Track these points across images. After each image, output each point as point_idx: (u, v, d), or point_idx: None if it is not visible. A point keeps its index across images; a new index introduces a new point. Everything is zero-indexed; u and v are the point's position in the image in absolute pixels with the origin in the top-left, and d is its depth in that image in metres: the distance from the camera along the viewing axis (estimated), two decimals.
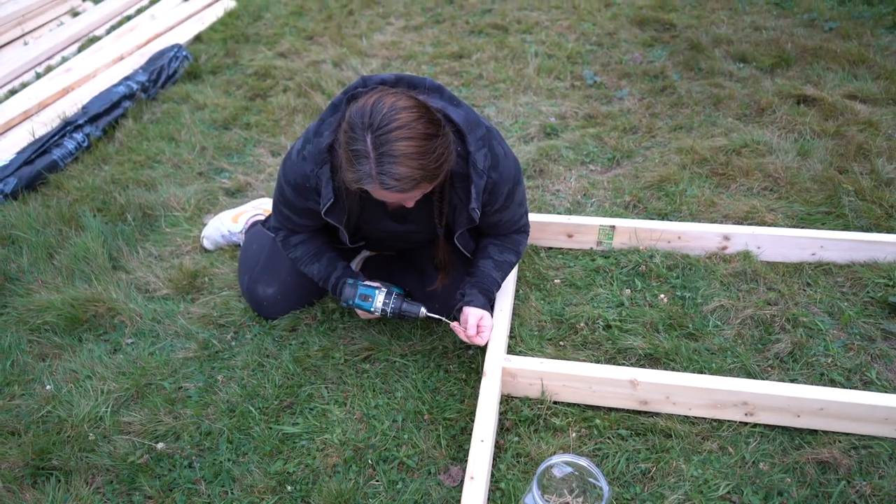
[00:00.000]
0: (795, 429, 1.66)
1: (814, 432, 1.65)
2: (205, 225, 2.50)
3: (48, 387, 1.86)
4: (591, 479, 1.41)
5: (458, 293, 1.82)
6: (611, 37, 3.94)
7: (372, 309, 1.79)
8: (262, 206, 2.45)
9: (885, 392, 1.73)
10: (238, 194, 2.71)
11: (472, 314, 1.75)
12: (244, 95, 3.49)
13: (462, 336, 1.75)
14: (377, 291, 1.79)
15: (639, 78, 3.45)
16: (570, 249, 2.29)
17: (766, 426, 1.67)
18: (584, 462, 1.40)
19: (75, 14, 4.60)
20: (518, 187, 1.74)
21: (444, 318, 1.79)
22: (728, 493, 1.54)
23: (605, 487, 1.36)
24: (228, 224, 2.37)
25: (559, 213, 2.46)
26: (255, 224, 2.30)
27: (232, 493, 1.56)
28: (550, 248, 2.30)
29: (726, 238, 2.19)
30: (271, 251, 2.05)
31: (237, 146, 3.05)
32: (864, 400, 1.61)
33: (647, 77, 3.45)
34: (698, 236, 2.20)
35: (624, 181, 2.62)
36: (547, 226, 2.25)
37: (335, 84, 3.51)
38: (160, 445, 1.66)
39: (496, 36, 4.06)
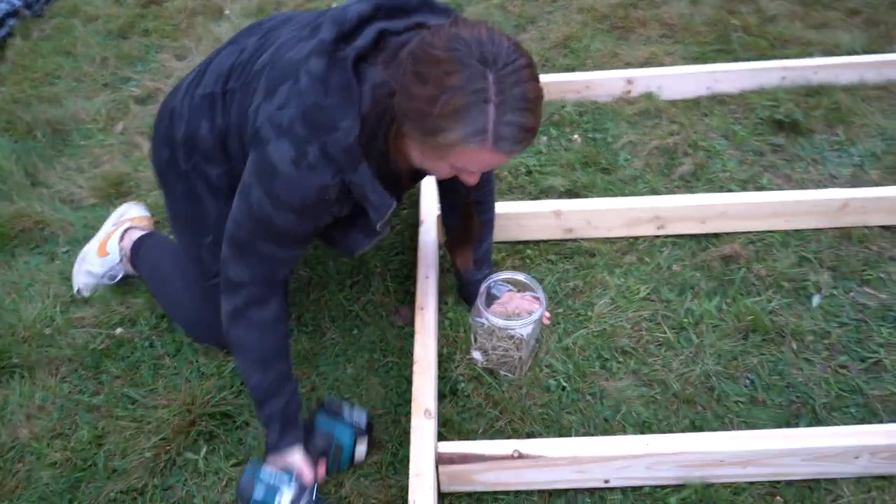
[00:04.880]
0: (702, 234, 1.86)
1: (717, 235, 1.86)
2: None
3: None
4: (529, 292, 1.57)
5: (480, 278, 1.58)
6: None
7: None
8: (125, 217, 1.93)
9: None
10: (149, 100, 2.66)
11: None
12: (136, 3, 3.33)
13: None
14: (282, 492, 1.24)
15: None
16: None
17: (676, 236, 1.86)
18: (521, 276, 1.54)
19: None
20: None
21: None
22: (648, 294, 1.73)
23: (542, 295, 1.52)
24: (96, 262, 1.82)
25: None
26: (138, 246, 1.77)
27: (197, 361, 1.64)
28: None
29: (629, 82, 2.34)
30: (205, 274, 1.51)
31: (139, 54, 2.96)
32: (757, 199, 1.82)
33: None
34: (604, 83, 2.34)
35: (531, 44, 2.71)
36: None
37: None
38: (119, 331, 1.72)
39: None
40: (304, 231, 1.24)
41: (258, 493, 1.23)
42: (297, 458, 1.28)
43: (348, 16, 1.15)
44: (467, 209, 1.50)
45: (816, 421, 1.45)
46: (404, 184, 1.34)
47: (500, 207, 1.82)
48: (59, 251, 2.02)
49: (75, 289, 1.84)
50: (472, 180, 1.20)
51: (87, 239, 2.03)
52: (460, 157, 1.08)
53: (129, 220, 1.90)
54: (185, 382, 1.56)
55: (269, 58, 1.25)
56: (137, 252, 1.77)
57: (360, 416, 1.38)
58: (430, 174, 1.30)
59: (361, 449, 1.37)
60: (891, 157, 2.08)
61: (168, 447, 1.44)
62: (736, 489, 1.34)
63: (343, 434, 1.35)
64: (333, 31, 1.13)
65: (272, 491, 1.23)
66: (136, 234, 1.82)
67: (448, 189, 1.57)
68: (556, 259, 1.83)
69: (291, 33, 1.27)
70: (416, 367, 1.44)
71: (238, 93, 1.31)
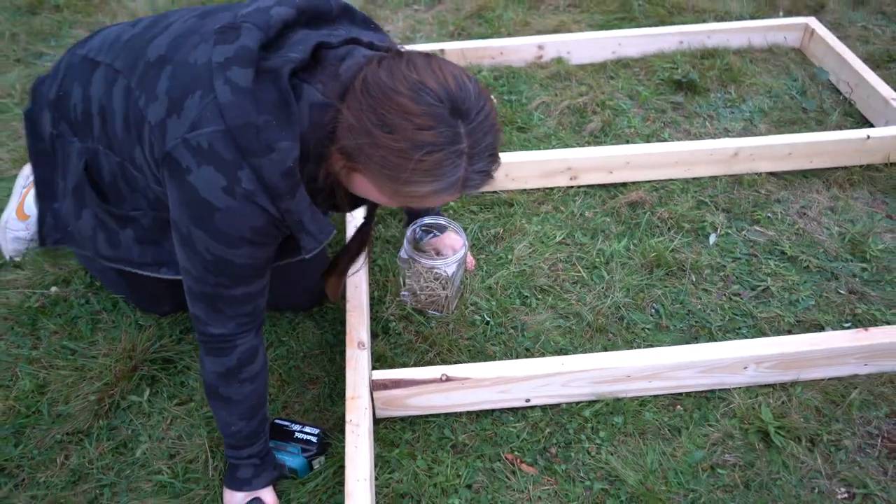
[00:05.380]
0: (610, 184, 2.01)
1: (624, 184, 2.01)
2: None
3: None
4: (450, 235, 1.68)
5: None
6: None
7: None
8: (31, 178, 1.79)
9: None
10: None
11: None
12: None
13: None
14: None
15: None
16: None
17: (587, 186, 2.01)
18: (442, 220, 1.65)
19: None
20: None
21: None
22: (563, 238, 1.87)
23: (463, 236, 1.63)
24: (20, 226, 1.78)
25: None
26: None
27: (135, 315, 1.68)
28: None
29: (540, 48, 2.47)
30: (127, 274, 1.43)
31: (52, 30, 2.90)
32: (659, 150, 1.98)
33: None
34: (516, 49, 2.47)
35: (447, 15, 2.81)
36: None
37: None
38: (53, 289, 1.73)
39: None
40: (266, 256, 1.13)
41: None
42: (269, 496, 1.30)
43: (272, 20, 1.04)
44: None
45: (713, 341, 1.62)
46: (342, 208, 1.22)
47: None
48: None
49: (7, 257, 1.81)
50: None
51: None
52: (422, 201, 1.04)
53: None
54: (125, 333, 1.60)
55: (167, 52, 1.11)
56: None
57: (311, 434, 1.37)
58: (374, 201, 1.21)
59: (317, 464, 1.38)
60: (777, 113, 2.29)
61: (112, 392, 1.48)
62: (642, 402, 1.49)
63: (294, 461, 1.35)
64: (257, 38, 1.02)
65: None
66: None
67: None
68: (477, 209, 1.94)
69: (187, 24, 1.15)
70: (348, 306, 1.53)
71: (123, 76, 1.17)
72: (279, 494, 1.33)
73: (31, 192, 1.75)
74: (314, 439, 1.37)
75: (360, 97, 0.97)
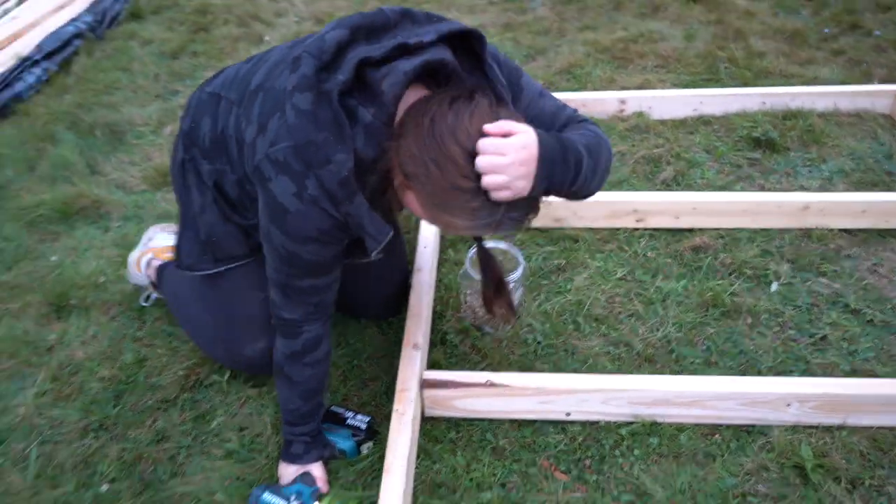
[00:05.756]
0: (676, 228, 2.08)
1: (690, 229, 2.08)
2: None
3: (53, 258, 2.16)
4: (511, 258, 1.80)
5: None
6: None
7: None
8: (150, 245, 1.97)
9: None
10: None
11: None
12: (187, 30, 3.73)
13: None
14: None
15: None
16: None
17: (653, 229, 2.09)
18: (503, 245, 1.78)
19: None
20: None
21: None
22: (624, 275, 1.95)
23: (522, 260, 1.75)
24: (138, 276, 1.93)
25: None
26: (160, 275, 1.83)
27: None
28: None
29: (622, 102, 2.60)
30: (222, 303, 1.61)
31: (188, 71, 3.32)
32: (727, 198, 2.04)
33: None
34: (599, 102, 2.61)
35: (539, 71, 3.00)
36: None
37: (271, 14, 3.80)
38: (155, 296, 1.98)
39: None
40: (332, 255, 1.28)
41: None
42: (317, 470, 1.45)
43: (326, 45, 1.15)
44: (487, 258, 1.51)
45: None
46: (396, 212, 1.31)
47: None
48: (112, 225, 2.31)
49: (145, 287, 1.93)
50: None
51: (137, 217, 2.33)
52: (456, 232, 1.19)
53: (152, 249, 1.92)
54: None
55: (263, 78, 1.27)
56: (160, 280, 1.84)
57: (361, 421, 1.53)
58: None
59: (365, 449, 1.53)
60: (858, 174, 2.29)
61: (198, 371, 1.70)
62: (680, 427, 1.53)
63: (344, 443, 1.50)
64: (313, 65, 1.14)
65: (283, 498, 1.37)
66: (156, 264, 1.86)
67: None
68: (543, 242, 2.06)
69: (280, 54, 1.30)
70: (409, 314, 1.68)
71: (236, 106, 1.34)
72: (329, 472, 1.47)
73: (144, 260, 1.91)
74: (363, 426, 1.52)
75: (426, 135, 1.07)
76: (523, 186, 1.06)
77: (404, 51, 1.16)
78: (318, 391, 1.45)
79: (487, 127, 1.05)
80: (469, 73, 1.22)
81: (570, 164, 1.14)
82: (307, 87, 1.13)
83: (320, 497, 1.41)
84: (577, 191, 1.21)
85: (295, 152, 1.14)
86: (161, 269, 1.82)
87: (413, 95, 1.17)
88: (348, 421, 1.53)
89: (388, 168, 1.15)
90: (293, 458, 1.44)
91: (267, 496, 1.38)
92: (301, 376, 1.40)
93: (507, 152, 1.03)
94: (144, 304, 1.92)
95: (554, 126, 1.30)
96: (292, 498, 1.38)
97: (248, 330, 1.58)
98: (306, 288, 1.32)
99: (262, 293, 1.44)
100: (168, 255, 1.84)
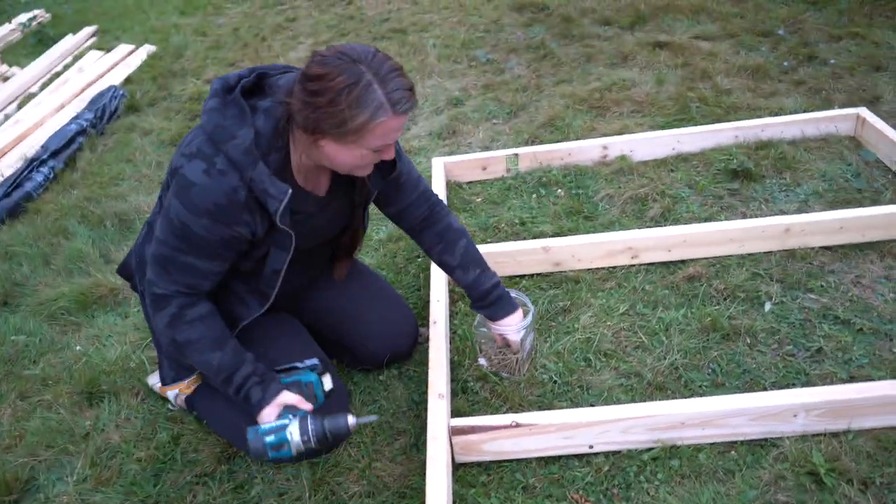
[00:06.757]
0: (669, 261, 2.21)
1: (683, 261, 2.20)
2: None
3: (78, 348, 2.25)
4: (521, 304, 1.90)
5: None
6: (495, 24, 4.53)
7: (293, 454, 1.44)
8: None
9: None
10: None
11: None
12: (184, 118, 3.90)
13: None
14: (288, 426, 1.43)
15: (524, 51, 4.03)
16: (486, 179, 2.81)
17: (648, 264, 2.21)
18: (513, 293, 1.89)
19: (6, 79, 4.91)
20: None
21: (374, 418, 1.56)
22: (626, 310, 2.06)
23: (531, 306, 1.85)
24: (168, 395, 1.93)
25: None
26: (191, 404, 1.85)
27: None
28: (470, 182, 2.81)
29: (605, 147, 2.76)
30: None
31: None
32: (713, 228, 2.17)
33: (530, 49, 4.04)
34: (584, 150, 2.76)
35: (522, 126, 3.17)
36: (464, 163, 2.78)
37: None
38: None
39: (397, 38, 4.60)
40: (219, 238, 1.42)
41: (270, 439, 1.42)
42: (287, 396, 1.51)
43: (229, 77, 1.44)
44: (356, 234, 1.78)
45: None
46: (323, 187, 1.57)
47: (498, 248, 2.20)
48: (130, 311, 2.41)
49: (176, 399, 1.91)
50: (389, 155, 1.44)
51: None
52: (374, 134, 1.33)
53: (177, 386, 1.85)
54: None
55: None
56: (192, 406, 1.85)
57: (311, 361, 1.62)
58: (355, 173, 1.48)
59: (327, 379, 1.61)
60: (831, 194, 2.43)
61: None
62: (698, 447, 1.62)
63: (305, 376, 1.58)
64: (220, 85, 1.42)
65: (280, 430, 1.43)
66: (181, 400, 1.87)
67: (398, 218, 1.77)
68: (546, 287, 2.18)
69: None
70: (430, 365, 1.77)
71: (157, 209, 1.67)
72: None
73: (174, 392, 1.87)
74: (317, 362, 1.61)
75: (296, 90, 1.34)
76: None
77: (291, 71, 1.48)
78: (224, 338, 1.51)
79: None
80: None
81: None
82: (215, 96, 1.40)
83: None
84: None
85: (206, 139, 1.37)
86: (189, 402, 1.85)
87: None
88: (300, 366, 1.61)
89: (289, 142, 1.43)
90: (259, 404, 1.49)
91: (264, 426, 1.45)
92: (194, 332, 1.48)
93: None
94: (172, 408, 1.93)
95: (410, 187, 1.72)
96: (291, 416, 1.46)
97: None
98: (186, 265, 1.45)
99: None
100: (191, 389, 1.84)
